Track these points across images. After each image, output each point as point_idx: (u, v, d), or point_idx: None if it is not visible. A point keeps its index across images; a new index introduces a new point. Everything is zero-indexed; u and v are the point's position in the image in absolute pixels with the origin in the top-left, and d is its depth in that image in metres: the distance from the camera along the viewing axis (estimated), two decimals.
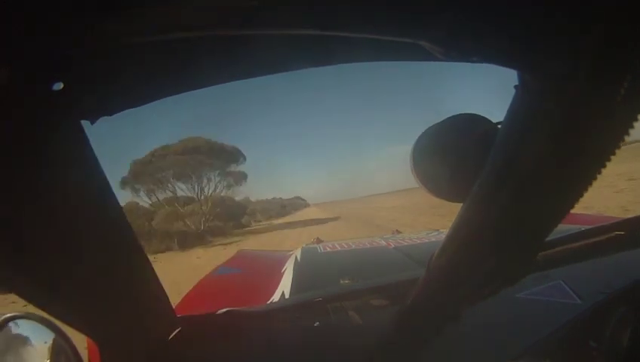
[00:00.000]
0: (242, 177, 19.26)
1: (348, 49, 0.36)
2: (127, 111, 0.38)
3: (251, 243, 12.92)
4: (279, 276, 1.12)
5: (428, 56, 0.26)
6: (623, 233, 0.74)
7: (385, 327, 0.52)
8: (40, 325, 0.51)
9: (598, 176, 0.23)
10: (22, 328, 0.50)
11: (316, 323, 0.66)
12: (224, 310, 0.67)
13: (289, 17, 0.21)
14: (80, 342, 0.54)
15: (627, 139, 0.22)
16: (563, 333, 0.53)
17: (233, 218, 20.45)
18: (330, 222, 18.59)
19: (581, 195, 0.25)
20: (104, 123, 0.37)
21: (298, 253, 1.39)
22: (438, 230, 1.80)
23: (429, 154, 0.32)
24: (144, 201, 17.77)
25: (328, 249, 1.51)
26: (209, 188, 18.25)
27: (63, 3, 0.19)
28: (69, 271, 0.36)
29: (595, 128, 0.22)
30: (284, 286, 1.00)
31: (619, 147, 0.22)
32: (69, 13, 0.19)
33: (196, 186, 17.90)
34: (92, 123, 0.36)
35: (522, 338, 0.52)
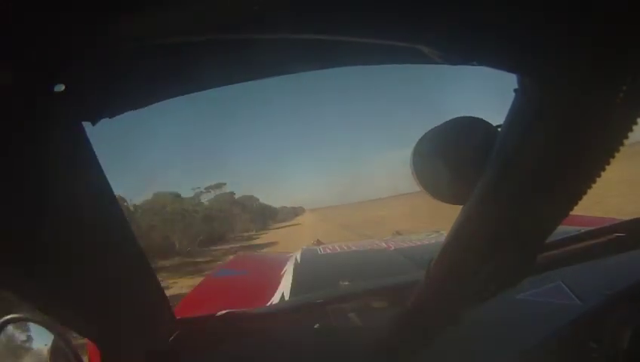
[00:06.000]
0: None
1: (347, 52, 0.36)
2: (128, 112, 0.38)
3: None
4: (279, 278, 1.11)
5: (428, 60, 0.26)
6: (622, 235, 0.74)
7: (385, 329, 0.52)
8: (40, 327, 0.51)
9: (598, 178, 0.24)
10: (22, 329, 0.50)
11: (316, 326, 0.66)
12: (223, 312, 0.67)
13: (289, 21, 0.21)
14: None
15: (627, 140, 0.22)
16: (563, 334, 0.53)
17: None
18: None
19: (581, 197, 0.25)
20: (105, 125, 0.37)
21: (298, 255, 1.38)
22: (438, 231, 1.79)
23: (430, 157, 0.32)
24: None
25: (328, 251, 1.50)
26: None
27: (65, 5, 0.19)
28: (68, 273, 0.36)
29: (594, 130, 0.22)
30: (284, 288, 0.99)
31: (618, 149, 0.22)
32: (70, 14, 0.19)
33: None
34: (93, 124, 0.36)
35: (522, 340, 0.52)
